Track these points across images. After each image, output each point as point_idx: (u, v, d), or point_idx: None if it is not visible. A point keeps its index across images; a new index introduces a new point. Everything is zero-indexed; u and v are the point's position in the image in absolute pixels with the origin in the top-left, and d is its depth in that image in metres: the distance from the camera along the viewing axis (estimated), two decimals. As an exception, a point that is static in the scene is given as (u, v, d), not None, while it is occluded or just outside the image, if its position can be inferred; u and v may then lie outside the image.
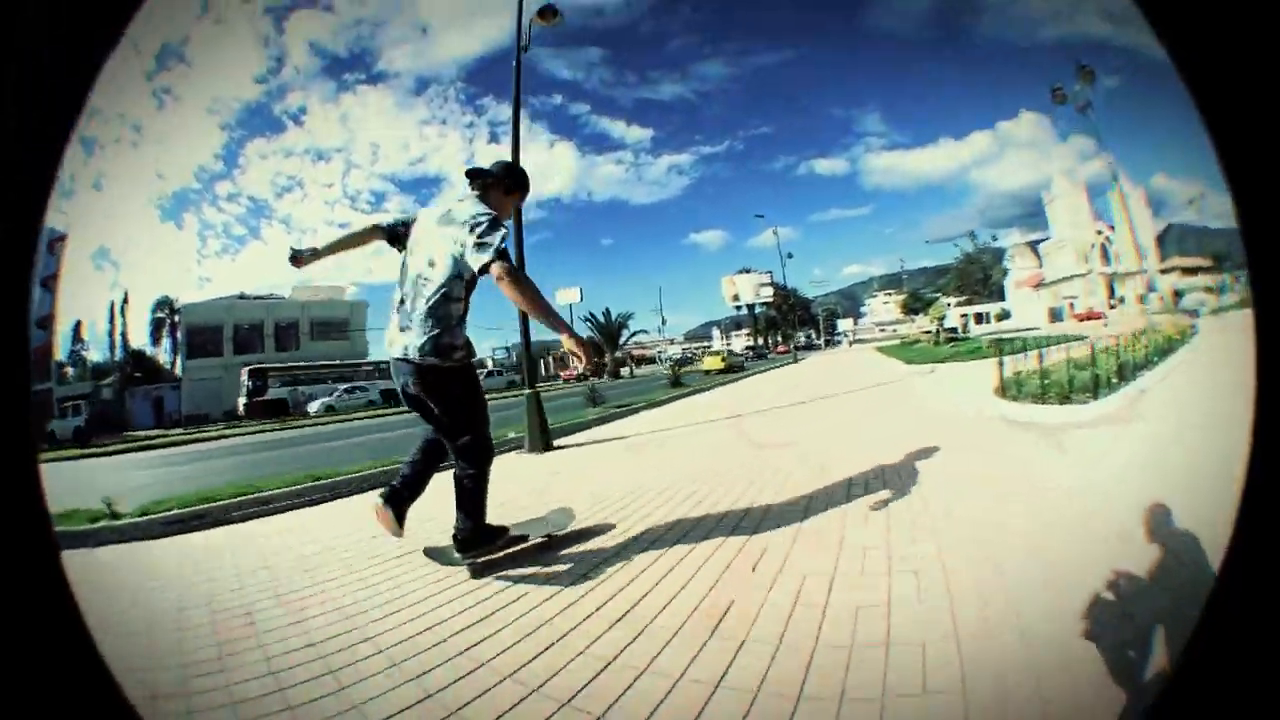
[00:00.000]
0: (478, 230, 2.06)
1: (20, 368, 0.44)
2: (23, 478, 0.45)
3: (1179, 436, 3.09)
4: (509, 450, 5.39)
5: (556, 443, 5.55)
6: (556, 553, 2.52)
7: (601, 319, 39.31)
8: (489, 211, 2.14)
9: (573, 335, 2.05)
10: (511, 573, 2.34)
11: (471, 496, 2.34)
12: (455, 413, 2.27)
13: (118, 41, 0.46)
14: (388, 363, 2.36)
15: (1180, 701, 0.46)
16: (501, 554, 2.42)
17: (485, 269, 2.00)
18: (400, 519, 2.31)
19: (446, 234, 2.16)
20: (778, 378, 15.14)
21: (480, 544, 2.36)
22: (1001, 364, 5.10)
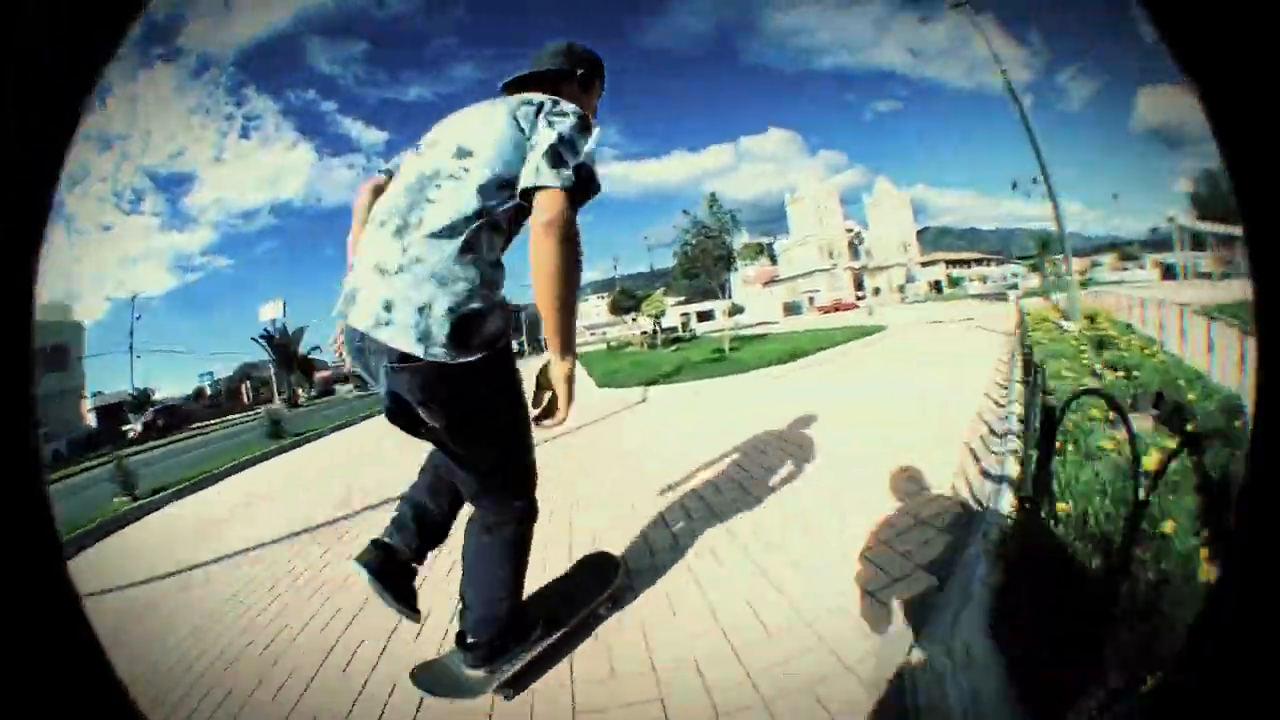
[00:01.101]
0: (563, 129, 1.19)
1: (23, 370, 0.44)
2: (27, 478, 0.45)
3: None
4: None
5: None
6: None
7: (277, 334, 34.40)
8: (580, 110, 1.27)
9: (572, 369, 1.22)
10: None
11: (501, 570, 1.41)
12: (482, 436, 1.28)
13: (121, 42, 0.46)
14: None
15: (1181, 702, 0.46)
16: (539, 652, 1.51)
17: (539, 194, 1.13)
18: (406, 594, 1.41)
19: (508, 110, 1.25)
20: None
21: (511, 645, 1.45)
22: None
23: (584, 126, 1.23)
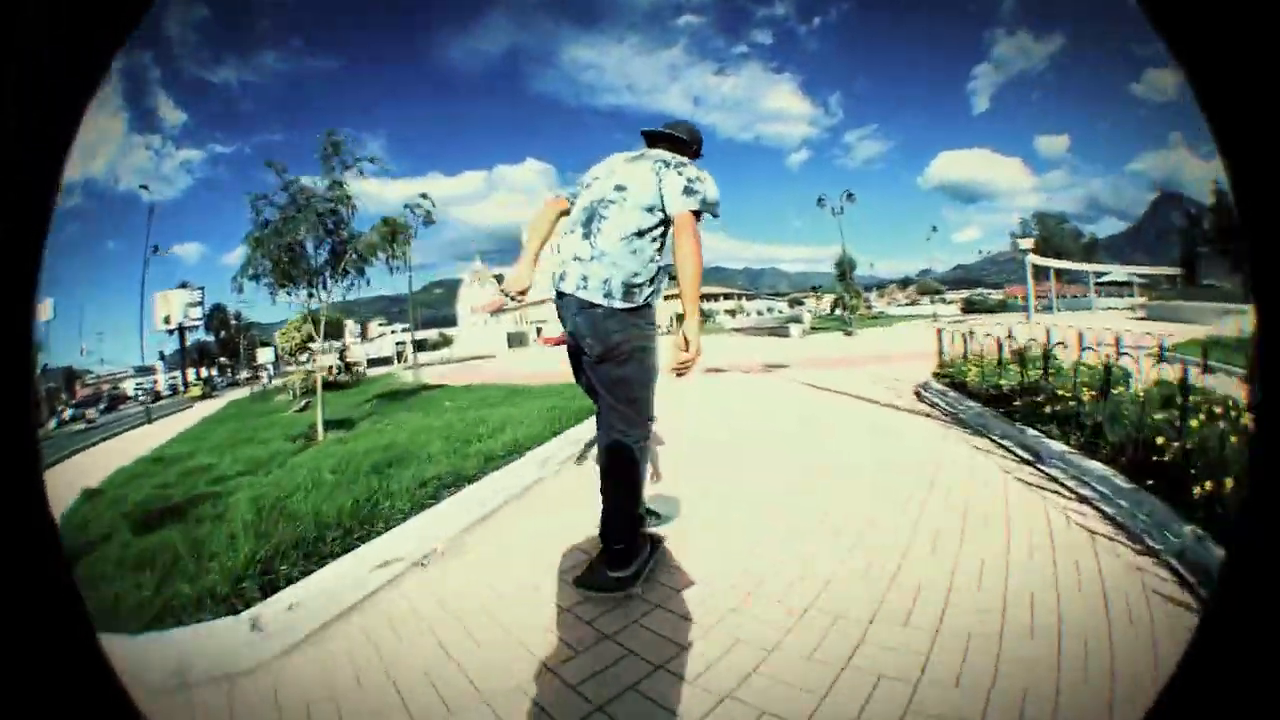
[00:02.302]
0: (689, 175, 1.88)
1: (24, 370, 0.44)
2: (26, 474, 0.45)
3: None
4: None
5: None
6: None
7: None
8: (685, 162, 1.98)
9: (699, 330, 1.82)
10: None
11: (632, 476, 1.92)
12: (633, 365, 1.88)
13: (122, 42, 0.46)
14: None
15: (1181, 702, 0.46)
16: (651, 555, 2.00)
17: (678, 214, 1.81)
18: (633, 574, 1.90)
19: (649, 167, 1.93)
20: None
21: (639, 547, 1.95)
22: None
23: (702, 178, 1.91)
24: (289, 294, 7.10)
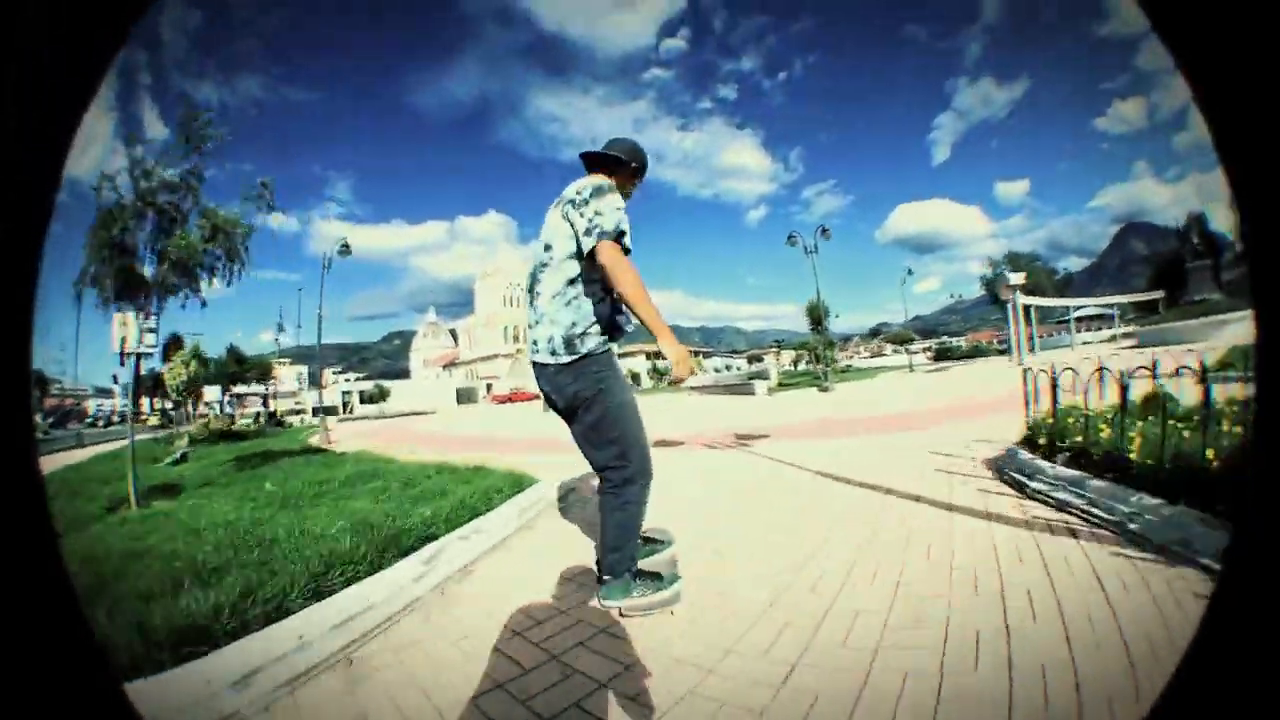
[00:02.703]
0: (588, 214, 1.87)
1: (21, 372, 0.44)
2: (24, 472, 0.45)
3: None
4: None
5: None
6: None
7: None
8: (606, 183, 1.95)
9: (674, 342, 1.82)
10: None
11: (614, 525, 2.00)
12: (597, 409, 1.93)
13: (122, 42, 0.46)
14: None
15: (1181, 703, 0.46)
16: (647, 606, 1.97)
17: (592, 251, 1.82)
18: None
19: (560, 213, 1.97)
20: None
21: (631, 585, 2.00)
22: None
23: (601, 211, 1.86)
24: (120, 309, 5.37)
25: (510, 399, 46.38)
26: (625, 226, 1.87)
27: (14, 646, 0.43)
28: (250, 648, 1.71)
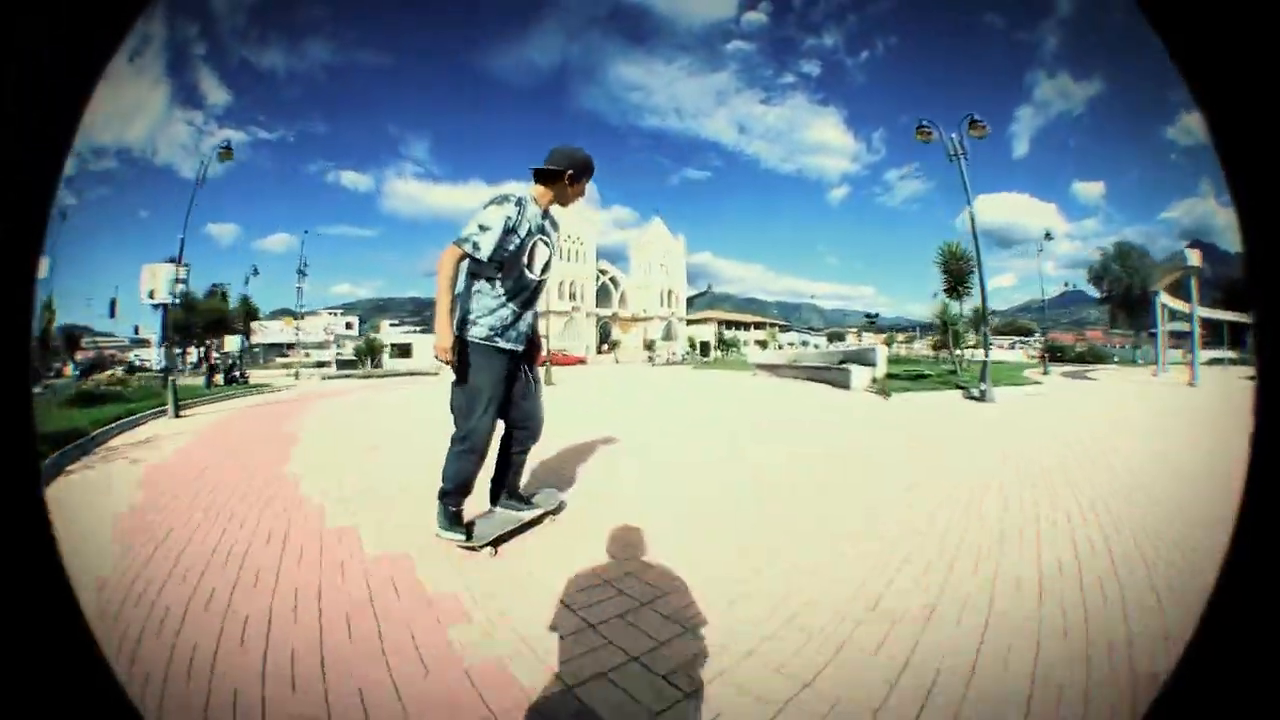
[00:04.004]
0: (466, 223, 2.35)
1: (21, 372, 0.44)
2: (24, 479, 0.45)
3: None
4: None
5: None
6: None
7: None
8: (498, 196, 2.37)
9: (441, 330, 2.29)
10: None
11: (448, 469, 2.52)
12: (454, 386, 2.46)
13: (122, 42, 0.46)
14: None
15: (1179, 703, 0.46)
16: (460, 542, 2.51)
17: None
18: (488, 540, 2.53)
19: None
20: None
21: (448, 525, 2.52)
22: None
23: (472, 219, 2.33)
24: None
25: (557, 361, 38.14)
26: (474, 233, 2.28)
27: (11, 646, 0.43)
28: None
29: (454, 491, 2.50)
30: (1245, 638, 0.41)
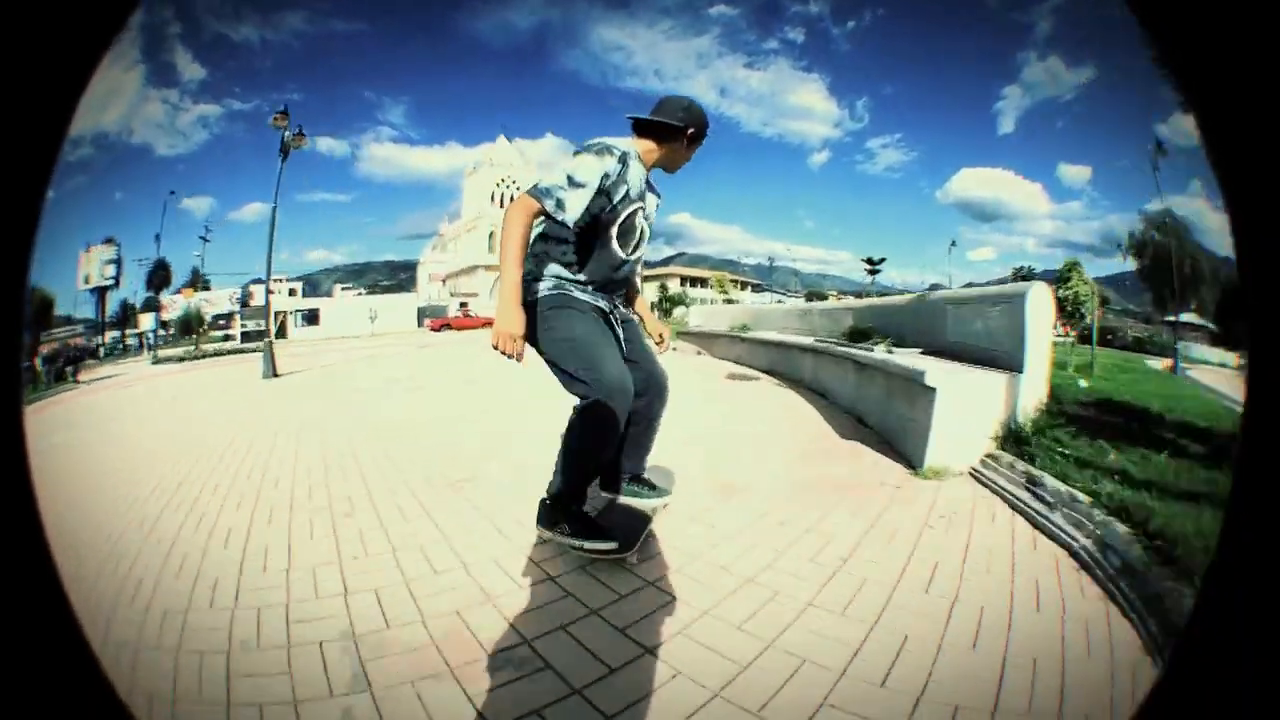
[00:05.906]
0: (542, 173, 1.84)
1: (13, 370, 0.44)
2: (15, 476, 0.45)
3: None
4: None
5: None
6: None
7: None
8: (596, 145, 1.79)
9: (505, 300, 1.67)
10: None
11: (568, 441, 1.89)
12: (544, 344, 1.85)
13: (115, 40, 0.46)
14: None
15: (1172, 701, 0.47)
16: (575, 545, 1.92)
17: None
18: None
19: None
20: None
21: (557, 520, 1.95)
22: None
23: (556, 167, 1.76)
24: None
25: (449, 325, 32.58)
26: (559, 185, 1.71)
27: (9, 647, 0.43)
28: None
29: (578, 488, 1.96)
30: (1237, 631, 0.41)
